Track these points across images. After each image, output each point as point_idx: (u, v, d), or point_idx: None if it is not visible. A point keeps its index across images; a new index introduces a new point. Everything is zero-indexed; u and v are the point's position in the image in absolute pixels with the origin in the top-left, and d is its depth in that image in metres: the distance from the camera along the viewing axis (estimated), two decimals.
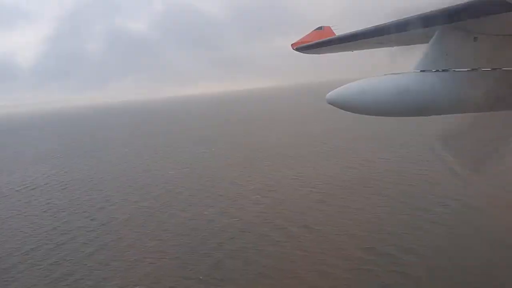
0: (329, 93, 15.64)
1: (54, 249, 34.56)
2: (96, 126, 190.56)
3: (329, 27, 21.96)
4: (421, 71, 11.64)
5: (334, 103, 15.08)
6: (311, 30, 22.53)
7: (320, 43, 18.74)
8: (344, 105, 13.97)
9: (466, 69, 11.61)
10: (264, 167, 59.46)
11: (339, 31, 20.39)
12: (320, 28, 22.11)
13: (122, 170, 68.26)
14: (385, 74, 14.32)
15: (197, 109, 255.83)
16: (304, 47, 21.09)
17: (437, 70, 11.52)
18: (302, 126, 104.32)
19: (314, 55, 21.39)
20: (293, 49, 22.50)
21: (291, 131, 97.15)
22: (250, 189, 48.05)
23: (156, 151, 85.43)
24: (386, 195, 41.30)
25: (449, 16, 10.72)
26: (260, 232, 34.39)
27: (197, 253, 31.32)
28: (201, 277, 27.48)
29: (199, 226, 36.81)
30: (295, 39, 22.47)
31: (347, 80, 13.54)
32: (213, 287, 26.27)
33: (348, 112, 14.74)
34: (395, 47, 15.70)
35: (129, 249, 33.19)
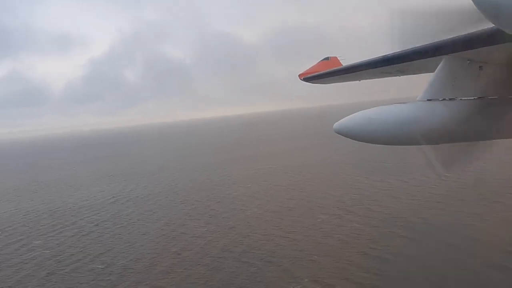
0: (337, 123, 15.78)
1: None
2: (136, 147, 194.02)
3: (336, 57, 22.30)
4: (428, 100, 11.70)
5: (341, 132, 15.18)
6: (318, 61, 22.93)
7: (327, 73, 19.03)
8: (351, 134, 14.05)
9: (473, 98, 11.66)
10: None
11: (345, 62, 20.70)
12: (326, 58, 22.47)
13: (188, 183, 70.25)
14: (392, 104, 14.48)
15: (226, 131, 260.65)
16: (311, 77, 21.40)
17: (444, 99, 11.59)
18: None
19: None
20: (301, 79, 22.80)
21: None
22: None
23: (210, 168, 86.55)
24: None
25: (453, 47, 10.90)
26: None
27: None
28: None
29: None
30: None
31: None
32: None
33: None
34: (401, 76, 15.91)
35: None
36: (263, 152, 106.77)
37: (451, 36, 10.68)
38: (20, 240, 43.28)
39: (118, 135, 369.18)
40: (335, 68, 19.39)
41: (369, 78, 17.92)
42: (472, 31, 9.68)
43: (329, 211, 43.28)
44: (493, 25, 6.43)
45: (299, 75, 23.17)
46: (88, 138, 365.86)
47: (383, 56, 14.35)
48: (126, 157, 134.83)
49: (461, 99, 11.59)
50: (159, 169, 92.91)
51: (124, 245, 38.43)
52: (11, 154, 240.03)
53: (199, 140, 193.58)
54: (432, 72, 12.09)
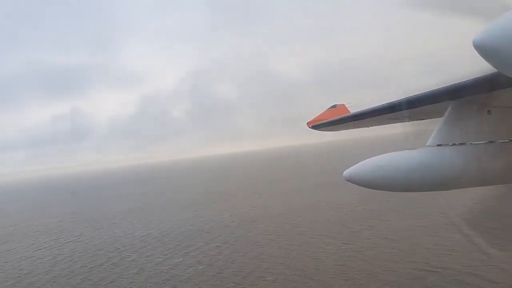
0: (346, 171, 15.63)
1: None
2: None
3: (343, 104, 22.54)
4: (437, 145, 11.60)
5: (352, 180, 14.98)
6: (325, 109, 23.17)
7: (334, 121, 19.16)
8: (362, 182, 13.86)
9: (483, 142, 11.53)
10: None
11: (353, 108, 20.87)
12: (334, 106, 22.72)
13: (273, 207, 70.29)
14: (402, 150, 14.37)
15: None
16: (319, 125, 21.53)
17: (454, 144, 11.48)
18: None
19: None
20: (309, 127, 22.94)
21: None
22: None
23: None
24: None
25: (459, 92, 10.93)
26: None
27: None
28: None
29: None
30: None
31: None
32: None
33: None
34: (409, 122, 15.88)
35: None
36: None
37: (456, 82, 10.77)
38: (166, 257, 44.08)
39: (160, 169, 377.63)
40: (342, 116, 19.53)
41: (377, 125, 17.95)
42: (478, 76, 9.74)
43: None
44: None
45: (308, 123, 23.35)
46: (130, 172, 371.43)
47: (389, 102, 14.45)
48: (189, 187, 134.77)
49: (471, 143, 11.47)
50: (232, 196, 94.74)
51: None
52: (66, 186, 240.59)
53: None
54: (440, 116, 12.07)
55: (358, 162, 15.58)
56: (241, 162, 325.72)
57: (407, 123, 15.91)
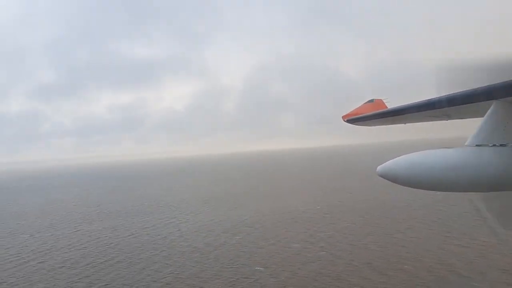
0: (380, 166, 15.39)
1: None
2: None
3: (381, 100, 22.02)
4: (476, 145, 11.23)
5: (385, 176, 14.76)
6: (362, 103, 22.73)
7: (370, 115, 18.79)
8: (395, 178, 13.64)
9: None
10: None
11: (391, 104, 20.38)
12: (371, 100, 22.23)
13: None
14: (438, 148, 13.98)
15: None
16: (354, 119, 21.19)
17: (494, 145, 11.07)
18: None
19: None
20: (344, 120, 22.63)
21: None
22: None
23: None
24: None
25: (504, 91, 10.48)
26: None
27: None
28: None
29: None
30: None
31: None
32: None
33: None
34: (448, 121, 15.41)
35: None
36: None
37: (502, 81, 10.33)
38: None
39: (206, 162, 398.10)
40: (379, 110, 19.12)
41: (415, 122, 17.47)
42: None
43: None
44: None
45: (343, 116, 23.01)
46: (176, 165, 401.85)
47: (429, 99, 14.05)
48: (250, 179, 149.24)
49: None
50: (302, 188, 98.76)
51: None
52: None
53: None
54: (481, 116, 11.65)
55: (392, 158, 15.37)
56: (294, 158, 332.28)
57: (446, 121, 15.45)
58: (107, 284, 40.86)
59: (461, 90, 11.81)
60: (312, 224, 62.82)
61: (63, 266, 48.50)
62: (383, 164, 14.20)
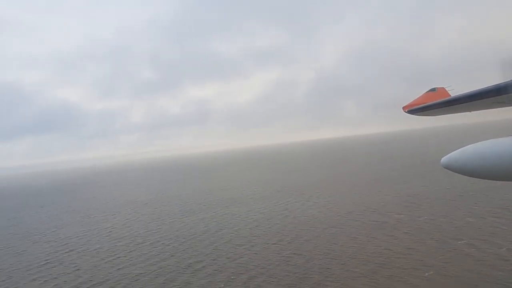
0: (445, 157, 14.86)
1: None
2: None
3: (443, 88, 21.15)
4: None
5: (450, 167, 14.25)
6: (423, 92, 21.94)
7: (433, 105, 18.13)
8: (463, 170, 13.19)
9: None
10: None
11: (453, 92, 19.52)
12: (433, 89, 21.42)
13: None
14: (508, 136, 13.20)
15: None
16: (416, 109, 20.54)
17: None
18: None
19: None
20: (405, 111, 21.99)
21: None
22: None
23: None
24: None
25: None
26: None
27: None
28: None
29: None
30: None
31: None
32: None
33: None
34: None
35: None
36: None
37: None
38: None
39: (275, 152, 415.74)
40: (443, 99, 18.36)
41: (480, 109, 16.63)
42: None
43: None
44: None
45: (403, 107, 22.41)
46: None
47: (496, 84, 13.34)
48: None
49: None
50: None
51: None
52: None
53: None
54: None
55: (457, 149, 14.75)
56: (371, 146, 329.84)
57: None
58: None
59: None
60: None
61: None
62: (447, 155, 13.72)
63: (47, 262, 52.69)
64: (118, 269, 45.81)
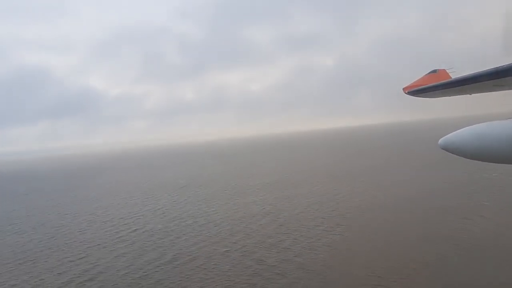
0: (442, 138, 15.02)
1: None
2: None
3: (444, 70, 21.07)
4: None
5: (448, 148, 14.41)
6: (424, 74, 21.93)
7: (433, 86, 18.12)
8: (459, 151, 13.33)
9: None
10: None
11: (455, 74, 19.51)
12: (434, 71, 21.34)
13: None
14: (507, 118, 13.32)
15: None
16: (416, 91, 20.53)
17: None
18: None
19: None
20: (405, 92, 22.01)
21: None
22: None
23: None
24: None
25: None
26: None
27: None
28: None
29: None
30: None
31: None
32: None
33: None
34: None
35: None
36: None
37: None
38: None
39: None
40: (443, 81, 18.34)
41: (480, 92, 16.62)
42: None
43: None
44: None
45: (404, 88, 22.36)
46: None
47: (497, 67, 13.35)
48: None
49: None
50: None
51: None
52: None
53: None
54: None
55: (455, 131, 14.89)
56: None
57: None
58: None
59: None
60: None
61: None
62: (444, 137, 13.87)
63: (120, 240, 54.82)
64: (199, 247, 47.94)
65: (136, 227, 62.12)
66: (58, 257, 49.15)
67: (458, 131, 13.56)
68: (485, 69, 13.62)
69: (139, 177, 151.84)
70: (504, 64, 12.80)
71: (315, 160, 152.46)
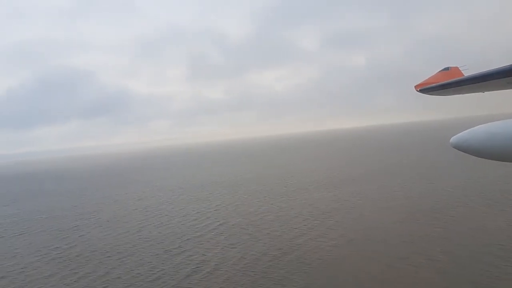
0: (454, 137, 14.78)
1: None
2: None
3: (457, 67, 20.77)
4: None
5: (460, 147, 14.19)
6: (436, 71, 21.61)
7: (446, 84, 17.86)
8: (471, 150, 13.13)
9: None
10: None
11: (467, 72, 19.19)
12: (446, 68, 21.04)
13: None
14: None
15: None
16: (428, 89, 20.27)
17: None
18: None
19: None
20: (417, 90, 21.74)
21: None
22: None
23: None
24: None
25: None
26: None
27: None
28: None
29: None
30: None
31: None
32: None
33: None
34: None
35: None
36: None
37: None
38: None
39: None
40: (455, 79, 18.07)
41: (494, 90, 16.34)
42: None
43: None
44: None
45: (415, 86, 22.11)
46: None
47: (510, 64, 13.09)
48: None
49: None
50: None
51: None
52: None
53: None
54: None
55: (467, 129, 14.63)
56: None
57: None
58: None
59: None
60: None
61: None
62: (456, 135, 13.64)
63: (216, 233, 55.48)
64: (291, 239, 49.18)
65: (220, 221, 62.94)
66: (161, 248, 50.36)
67: (471, 129, 13.34)
68: (500, 66, 13.37)
69: (180, 174, 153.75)
70: None
71: (365, 158, 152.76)
